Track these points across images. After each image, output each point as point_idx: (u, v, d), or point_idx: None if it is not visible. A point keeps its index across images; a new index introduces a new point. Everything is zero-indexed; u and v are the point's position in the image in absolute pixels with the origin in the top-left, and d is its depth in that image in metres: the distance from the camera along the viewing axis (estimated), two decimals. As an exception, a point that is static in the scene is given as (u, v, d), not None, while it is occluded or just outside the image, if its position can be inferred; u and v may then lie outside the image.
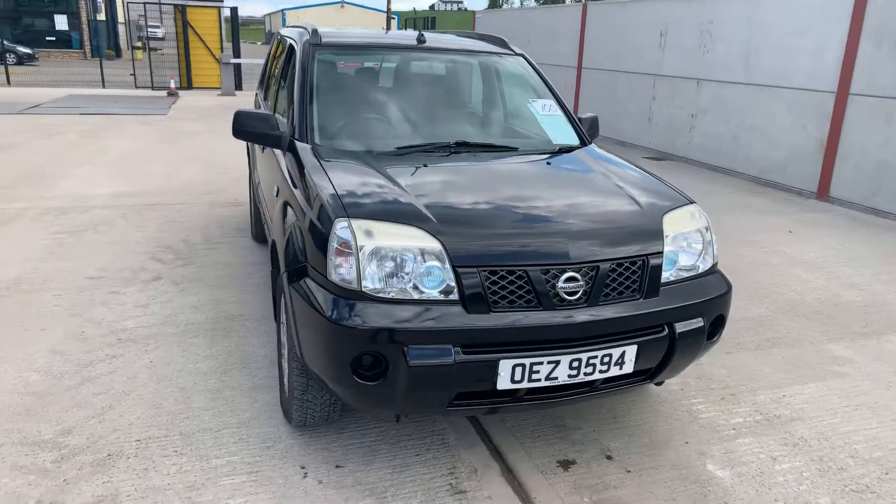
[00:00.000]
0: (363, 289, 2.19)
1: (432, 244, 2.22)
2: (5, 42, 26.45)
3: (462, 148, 3.11)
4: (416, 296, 2.20)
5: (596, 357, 2.32)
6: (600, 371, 2.35)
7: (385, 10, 37.07)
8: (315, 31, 3.61)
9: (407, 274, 2.21)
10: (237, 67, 18.92)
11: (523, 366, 2.23)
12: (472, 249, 2.25)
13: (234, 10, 18.84)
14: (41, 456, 2.57)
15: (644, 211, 2.59)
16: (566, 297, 2.28)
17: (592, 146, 3.43)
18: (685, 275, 2.57)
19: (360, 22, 51.25)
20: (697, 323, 2.49)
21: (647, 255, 2.44)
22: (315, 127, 3.09)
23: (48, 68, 24.09)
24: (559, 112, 3.58)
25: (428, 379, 2.17)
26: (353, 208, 2.32)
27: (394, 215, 2.31)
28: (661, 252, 2.48)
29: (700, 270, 2.62)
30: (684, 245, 2.59)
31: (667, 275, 2.51)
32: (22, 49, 26.26)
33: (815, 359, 3.75)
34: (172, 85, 16.83)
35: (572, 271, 2.29)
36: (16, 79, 18.80)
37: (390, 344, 2.13)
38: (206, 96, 17.06)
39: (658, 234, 2.50)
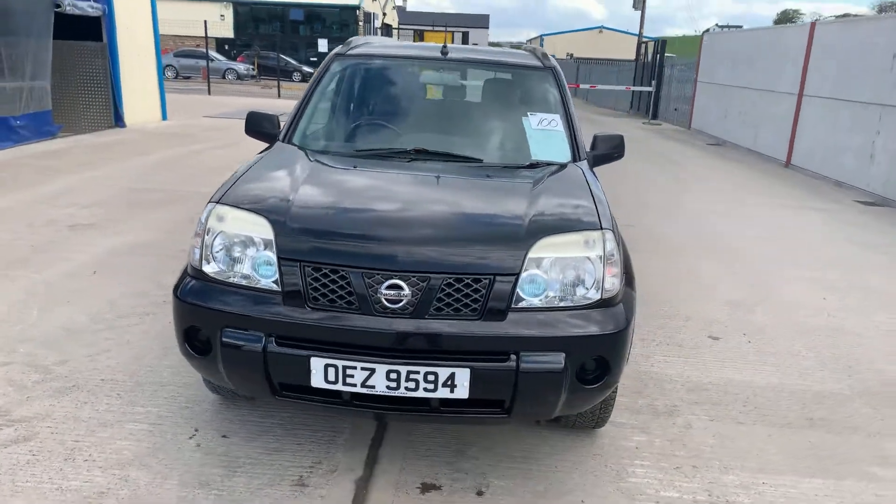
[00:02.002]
0: (204, 269, 2.37)
1: (267, 235, 2.32)
2: (291, 60, 31.54)
3: (421, 155, 3.11)
4: (245, 282, 2.32)
5: (418, 373, 2.20)
6: (425, 389, 2.22)
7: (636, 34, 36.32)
8: (348, 43, 3.87)
9: (246, 261, 2.34)
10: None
11: (336, 367, 2.21)
12: (297, 244, 2.30)
13: (465, 34, 20.05)
14: (30, 376, 3.19)
15: (519, 231, 2.36)
16: (388, 304, 2.21)
17: (576, 164, 3.17)
18: (560, 304, 2.29)
19: (615, 47, 50.68)
20: (555, 359, 2.21)
21: (494, 274, 2.24)
22: (298, 128, 3.35)
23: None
24: (559, 128, 3.37)
25: (241, 362, 2.28)
26: (226, 195, 2.51)
27: (252, 204, 2.45)
28: (516, 274, 2.25)
29: (582, 303, 2.31)
30: (561, 272, 2.31)
31: (532, 300, 2.27)
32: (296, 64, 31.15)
33: (855, 452, 2.97)
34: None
35: (397, 279, 2.21)
36: (285, 93, 22.29)
37: (210, 323, 2.29)
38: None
39: (518, 256, 2.27)
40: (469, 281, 2.24)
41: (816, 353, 4.00)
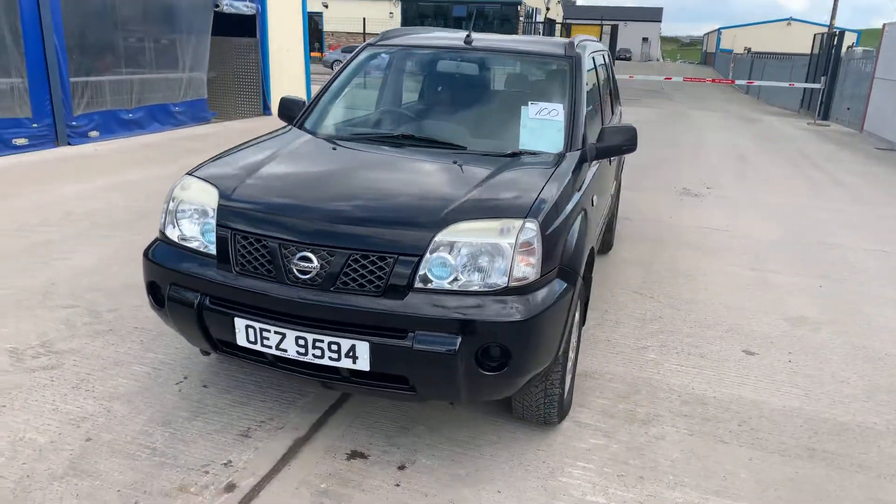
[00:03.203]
0: (166, 233, 2.68)
1: (215, 205, 2.57)
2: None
3: (408, 141, 3.22)
4: (193, 246, 2.59)
5: (322, 342, 2.34)
6: (330, 358, 2.35)
7: (826, 24, 32.72)
8: (384, 34, 4.05)
9: (198, 227, 2.61)
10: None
11: (254, 329, 2.41)
12: (233, 214, 2.51)
13: (614, 27, 19.43)
14: (83, 318, 3.74)
15: (435, 215, 2.39)
16: (299, 275, 2.36)
17: (565, 155, 3.09)
18: (465, 288, 2.30)
19: (805, 41, 46.95)
20: (449, 341, 2.23)
21: (398, 254, 2.30)
22: (312, 113, 3.59)
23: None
24: (559, 118, 3.29)
25: (182, 316, 2.56)
26: (199, 169, 2.81)
27: (214, 178, 2.71)
28: (420, 256, 2.29)
29: (487, 289, 2.30)
30: (471, 257, 2.31)
31: (440, 283, 2.30)
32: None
33: (847, 491, 2.63)
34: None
35: (308, 251, 2.35)
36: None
37: (164, 280, 2.59)
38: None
39: (424, 239, 2.30)
40: (375, 258, 2.32)
41: (868, 383, 3.52)
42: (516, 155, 3.09)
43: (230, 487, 2.46)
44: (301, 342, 2.36)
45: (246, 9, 11.77)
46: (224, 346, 2.58)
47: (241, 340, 2.46)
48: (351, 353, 2.32)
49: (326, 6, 38.93)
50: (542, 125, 3.28)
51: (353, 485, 2.51)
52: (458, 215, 2.39)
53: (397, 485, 2.53)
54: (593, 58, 4.16)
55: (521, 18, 36.67)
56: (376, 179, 2.78)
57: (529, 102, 3.36)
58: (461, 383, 2.33)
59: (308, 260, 2.35)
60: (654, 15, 66.29)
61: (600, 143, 3.31)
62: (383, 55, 3.94)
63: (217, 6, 11.03)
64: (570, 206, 2.72)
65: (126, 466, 2.54)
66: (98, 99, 9.24)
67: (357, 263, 2.33)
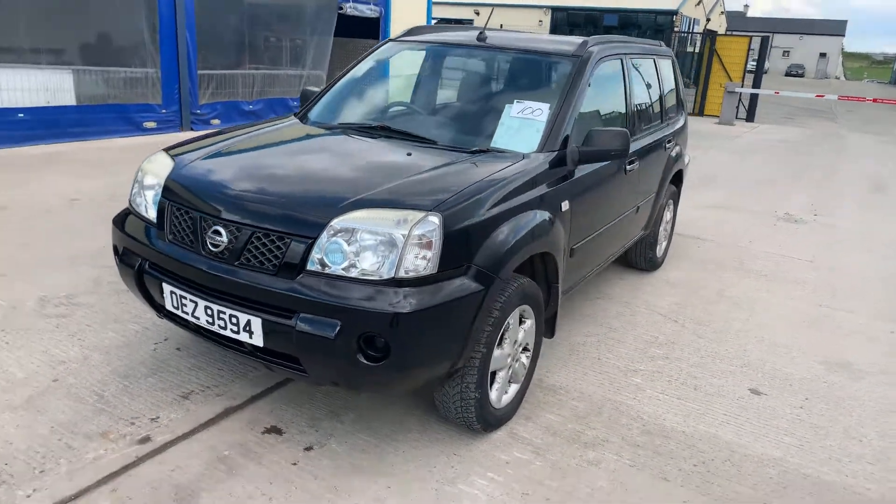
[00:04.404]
0: (130, 201, 2.92)
1: (165, 176, 2.76)
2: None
3: (381, 132, 3.25)
4: (146, 215, 2.80)
5: (224, 314, 2.44)
6: (232, 330, 2.44)
7: None
8: (409, 30, 4.11)
9: (151, 196, 2.81)
10: (753, 98, 18.19)
11: (176, 295, 2.57)
12: (173, 186, 2.69)
13: (764, 39, 17.99)
14: (109, 278, 4.17)
15: (338, 200, 2.39)
16: (212, 248, 2.48)
17: (534, 155, 2.97)
18: (354, 275, 2.28)
19: None
20: (329, 325, 2.24)
21: (295, 235, 2.34)
22: (316, 103, 3.73)
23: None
24: (541, 118, 3.15)
25: (129, 277, 2.78)
26: (174, 147, 3.03)
27: (177, 154, 2.91)
28: (313, 239, 2.31)
29: (375, 277, 2.27)
30: (363, 244, 2.29)
31: (334, 268, 2.31)
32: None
33: None
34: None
35: (219, 226, 2.46)
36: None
37: (120, 244, 2.83)
38: (700, 123, 17.09)
39: (321, 222, 2.32)
40: (274, 238, 2.38)
41: (887, 446, 3.02)
42: (482, 152, 3.01)
43: (144, 440, 2.63)
44: (209, 312, 2.48)
45: (369, 11, 12.34)
46: (163, 311, 2.77)
47: (168, 305, 2.63)
48: (248, 328, 2.40)
49: (478, 13, 39.66)
50: (521, 124, 3.16)
51: (253, 457, 2.59)
52: (362, 203, 2.39)
53: (294, 464, 2.57)
54: (622, 60, 3.93)
55: (676, 29, 34.96)
56: (311, 165, 2.85)
57: (515, 101, 3.25)
58: (341, 370, 2.32)
59: (219, 234, 2.46)
60: (835, 28, 60.18)
61: (585, 147, 3.13)
62: (404, 50, 3.99)
63: (341, 8, 11.67)
64: (505, 206, 2.61)
65: (70, 408, 2.80)
66: (222, 90, 10.14)
67: (259, 241, 2.40)
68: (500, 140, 3.13)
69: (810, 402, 3.36)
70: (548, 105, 3.20)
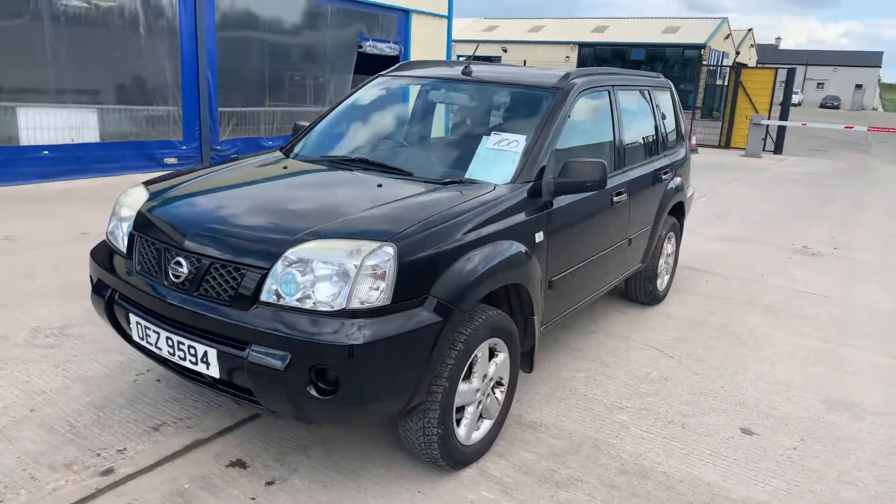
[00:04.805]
0: (107, 233, 2.97)
1: (135, 212, 2.81)
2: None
3: (359, 164, 3.27)
4: (119, 246, 2.84)
5: (184, 344, 2.44)
6: (191, 361, 2.44)
7: None
8: (399, 65, 4.17)
9: (124, 228, 2.86)
10: (780, 130, 17.93)
11: (141, 325, 2.59)
12: (142, 219, 2.73)
13: (790, 71, 17.79)
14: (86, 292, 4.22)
15: (294, 231, 2.39)
16: (174, 278, 2.49)
17: (504, 186, 2.94)
18: (306, 306, 2.27)
19: None
20: (279, 357, 2.22)
21: (249, 266, 2.34)
22: (302, 137, 3.78)
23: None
24: (517, 150, 3.14)
25: (100, 308, 2.81)
26: (153, 182, 3.08)
27: (154, 187, 2.97)
28: (267, 269, 2.30)
29: (326, 309, 2.25)
30: (316, 275, 2.27)
31: (287, 299, 2.30)
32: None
33: None
34: (693, 142, 17.32)
35: (181, 257, 2.48)
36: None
37: (94, 274, 2.88)
38: (726, 156, 16.89)
39: (274, 253, 2.32)
40: (231, 268, 2.38)
41: (884, 491, 2.85)
42: (455, 183, 3.00)
43: (107, 472, 2.63)
44: (170, 342, 2.48)
45: (389, 50, 12.60)
46: (131, 341, 2.78)
47: (134, 336, 2.65)
48: (205, 359, 2.39)
49: (506, 51, 40.24)
50: (496, 156, 3.15)
51: (212, 490, 2.56)
52: (319, 234, 2.38)
53: (253, 499, 2.53)
54: (609, 92, 3.90)
55: (705, 62, 34.86)
56: (278, 198, 2.87)
57: (492, 132, 3.25)
58: (294, 403, 2.29)
59: (180, 265, 2.48)
60: (871, 60, 59.29)
61: (561, 178, 3.10)
62: (391, 86, 4.04)
63: (360, 47, 11.94)
64: (471, 236, 2.58)
65: (41, 438, 2.82)
66: (242, 127, 10.40)
67: (217, 272, 2.41)
68: (474, 171, 3.12)
69: (805, 443, 3.20)
70: (524, 136, 3.19)
